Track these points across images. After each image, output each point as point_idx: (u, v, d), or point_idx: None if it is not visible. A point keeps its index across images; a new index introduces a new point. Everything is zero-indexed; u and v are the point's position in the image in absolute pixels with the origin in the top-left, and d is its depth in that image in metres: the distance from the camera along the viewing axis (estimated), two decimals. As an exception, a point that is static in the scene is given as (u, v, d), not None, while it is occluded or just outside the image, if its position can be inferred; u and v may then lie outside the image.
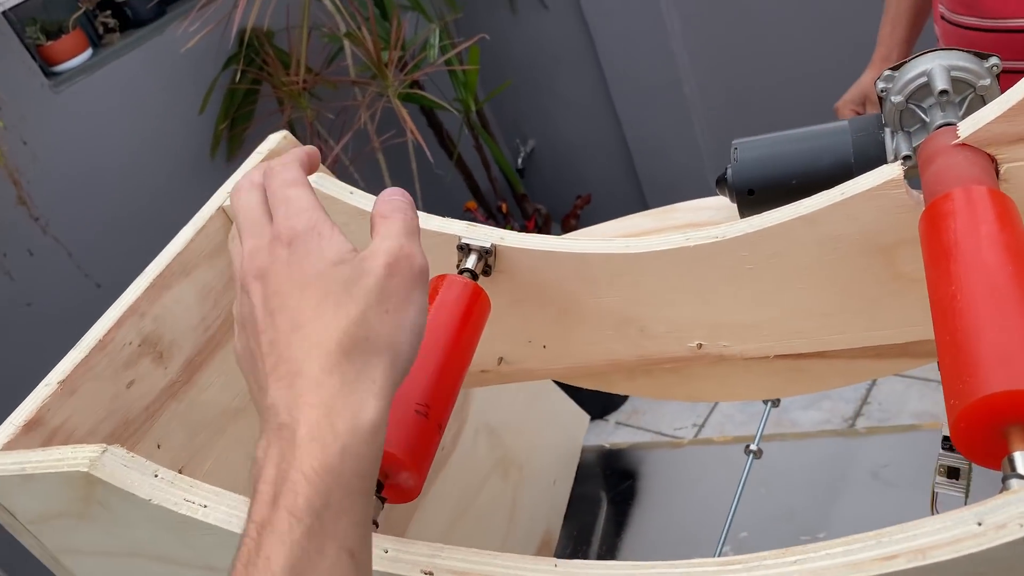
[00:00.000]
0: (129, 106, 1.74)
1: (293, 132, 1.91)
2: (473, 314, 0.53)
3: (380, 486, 0.44)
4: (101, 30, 1.77)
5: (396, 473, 0.44)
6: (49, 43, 1.68)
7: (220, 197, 0.61)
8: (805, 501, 0.92)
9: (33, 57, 1.65)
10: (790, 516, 0.92)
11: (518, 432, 0.96)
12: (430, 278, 0.54)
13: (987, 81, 0.50)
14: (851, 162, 0.53)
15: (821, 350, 0.57)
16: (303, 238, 0.36)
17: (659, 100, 2.18)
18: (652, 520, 0.98)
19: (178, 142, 1.81)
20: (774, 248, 0.52)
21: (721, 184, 0.59)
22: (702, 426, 2.00)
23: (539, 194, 2.50)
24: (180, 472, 0.53)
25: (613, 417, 2.11)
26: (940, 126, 0.49)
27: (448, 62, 1.97)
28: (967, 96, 0.51)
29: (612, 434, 2.07)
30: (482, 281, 0.58)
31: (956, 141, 0.46)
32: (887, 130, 0.53)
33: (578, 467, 1.07)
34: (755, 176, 0.56)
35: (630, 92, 2.21)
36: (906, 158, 0.51)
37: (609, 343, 0.60)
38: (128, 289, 0.54)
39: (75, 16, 1.69)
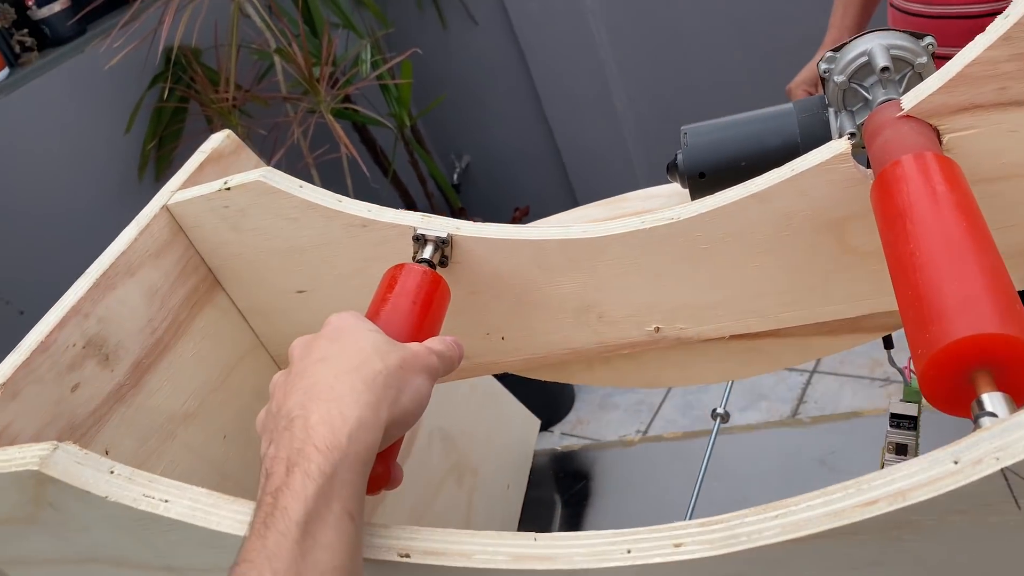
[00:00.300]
0: (50, 127, 1.68)
1: (224, 150, 1.87)
2: (433, 302, 0.52)
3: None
4: (18, 49, 1.71)
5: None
6: (-39, 63, 1.61)
7: (164, 196, 0.59)
8: (757, 491, 0.93)
9: (-55, 77, 1.59)
10: (745, 507, 0.93)
11: (471, 437, 0.95)
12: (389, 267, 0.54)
13: (924, 59, 0.52)
14: (798, 142, 0.55)
15: (775, 328, 0.58)
16: (350, 320, 0.45)
17: (590, 111, 2.21)
18: (607, 519, 0.98)
19: (104, 163, 1.75)
20: (728, 227, 0.53)
21: (672, 170, 0.59)
22: (645, 432, 2.01)
23: (476, 208, 2.50)
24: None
25: (558, 428, 2.11)
26: (882, 102, 0.51)
27: (380, 77, 1.96)
28: (906, 74, 0.53)
29: (557, 444, 2.06)
30: (439, 272, 0.58)
31: (900, 113, 0.47)
32: (831, 110, 0.55)
33: (531, 471, 1.06)
34: (705, 159, 0.57)
35: (562, 104, 2.23)
36: (851, 135, 0.52)
37: (568, 331, 0.60)
38: (70, 289, 0.51)
39: (-10, 34, 1.63)
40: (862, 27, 1.13)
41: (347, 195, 1.74)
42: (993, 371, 0.34)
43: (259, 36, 1.79)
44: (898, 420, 0.70)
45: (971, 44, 0.45)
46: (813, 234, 0.52)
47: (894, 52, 0.52)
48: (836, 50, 0.54)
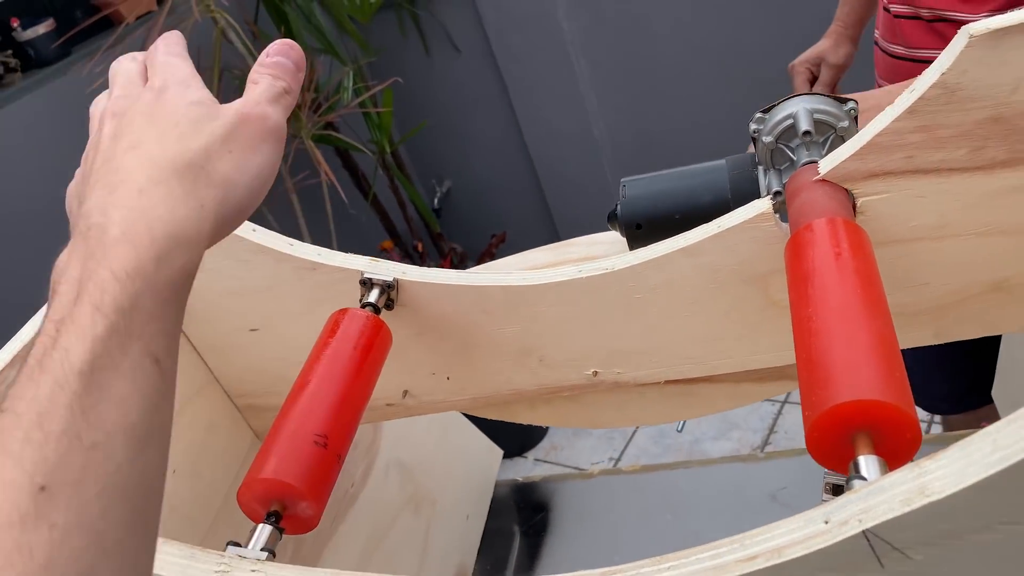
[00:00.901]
0: (32, 149, 1.70)
1: (204, 173, 1.89)
2: (374, 347, 0.54)
3: (279, 516, 0.45)
4: (1, 70, 1.73)
5: (294, 503, 0.45)
6: (-57, 84, 1.63)
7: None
8: (709, 525, 0.95)
9: (-73, 98, 1.60)
10: (695, 540, 0.95)
11: (430, 468, 0.97)
12: (334, 311, 0.56)
13: (846, 123, 0.55)
14: (728, 198, 0.57)
15: (708, 375, 0.60)
16: (171, 88, 0.36)
17: (570, 141, 2.25)
18: (565, 551, 1.00)
19: (84, 184, 1.77)
20: (659, 278, 0.55)
21: (612, 220, 0.62)
22: (618, 459, 2.03)
23: (456, 233, 2.52)
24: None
25: (531, 454, 2.12)
26: (805, 163, 0.53)
27: (363, 104, 1.99)
28: (829, 136, 0.55)
29: (531, 470, 2.08)
30: (385, 315, 0.60)
31: (816, 177, 0.50)
32: (760, 168, 0.57)
33: (492, 501, 1.08)
34: (642, 212, 0.59)
35: (542, 133, 2.27)
36: (777, 193, 0.55)
37: (510, 373, 0.62)
38: (26, 325, 0.53)
39: (-26, 56, 1.65)
40: (865, 21, 1.15)
41: (327, 220, 1.79)
42: (873, 434, 0.36)
43: (241, 61, 1.82)
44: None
45: (881, 115, 0.48)
46: (740, 287, 0.55)
47: (817, 116, 0.55)
48: (765, 111, 0.57)
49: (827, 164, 0.50)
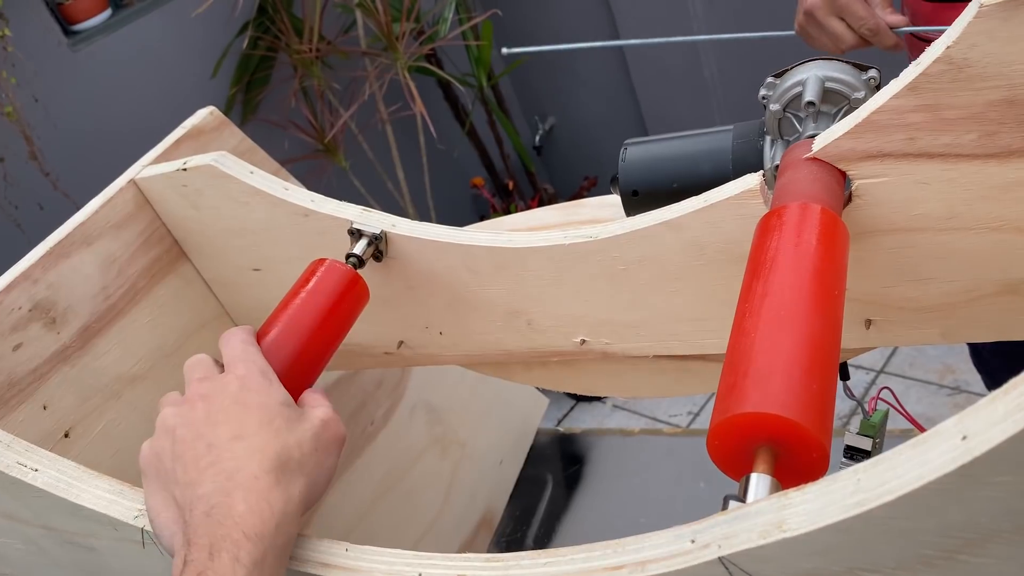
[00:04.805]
0: (144, 67, 1.78)
1: (306, 99, 1.92)
2: (345, 302, 0.54)
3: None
4: (123, -9, 1.81)
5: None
6: (70, 1, 1.72)
7: (135, 169, 0.63)
8: (741, 498, 0.92)
9: (54, 15, 1.70)
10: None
11: (463, 412, 0.97)
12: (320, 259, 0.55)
13: (861, 94, 0.49)
14: (729, 168, 0.53)
15: (699, 353, 0.57)
16: (254, 379, 0.44)
17: (679, 83, 2.15)
18: (593, 505, 0.99)
19: (190, 105, 1.84)
20: (643, 251, 0.52)
21: (614, 183, 0.59)
22: (697, 414, 1.99)
23: (556, 172, 2.49)
24: (67, 435, 0.56)
25: (610, 400, 2.11)
26: (810, 137, 0.49)
27: (463, 36, 1.97)
28: (842, 108, 0.50)
29: (608, 416, 2.07)
30: (375, 266, 0.59)
31: (808, 155, 0.45)
32: (767, 138, 0.53)
33: (531, 449, 1.08)
34: (639, 178, 0.56)
35: (649, 73, 2.18)
36: (777, 167, 0.50)
37: (500, 334, 0.61)
38: (24, 256, 0.56)
39: (96, -23, 1.72)
40: None
41: (418, 153, 1.80)
42: (776, 450, 0.33)
43: (344, -10, 1.83)
44: (852, 452, 0.68)
45: (881, 91, 0.43)
46: (726, 266, 0.51)
47: (830, 85, 0.50)
48: (777, 76, 0.52)
49: (821, 141, 0.45)
